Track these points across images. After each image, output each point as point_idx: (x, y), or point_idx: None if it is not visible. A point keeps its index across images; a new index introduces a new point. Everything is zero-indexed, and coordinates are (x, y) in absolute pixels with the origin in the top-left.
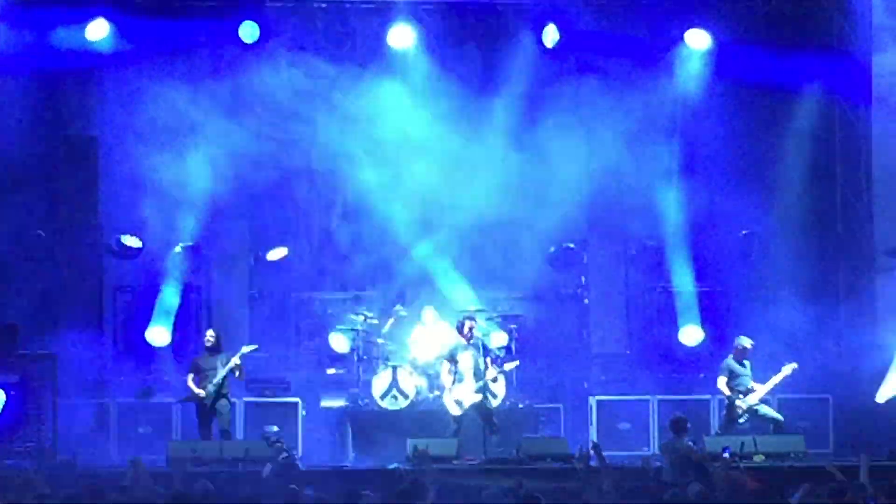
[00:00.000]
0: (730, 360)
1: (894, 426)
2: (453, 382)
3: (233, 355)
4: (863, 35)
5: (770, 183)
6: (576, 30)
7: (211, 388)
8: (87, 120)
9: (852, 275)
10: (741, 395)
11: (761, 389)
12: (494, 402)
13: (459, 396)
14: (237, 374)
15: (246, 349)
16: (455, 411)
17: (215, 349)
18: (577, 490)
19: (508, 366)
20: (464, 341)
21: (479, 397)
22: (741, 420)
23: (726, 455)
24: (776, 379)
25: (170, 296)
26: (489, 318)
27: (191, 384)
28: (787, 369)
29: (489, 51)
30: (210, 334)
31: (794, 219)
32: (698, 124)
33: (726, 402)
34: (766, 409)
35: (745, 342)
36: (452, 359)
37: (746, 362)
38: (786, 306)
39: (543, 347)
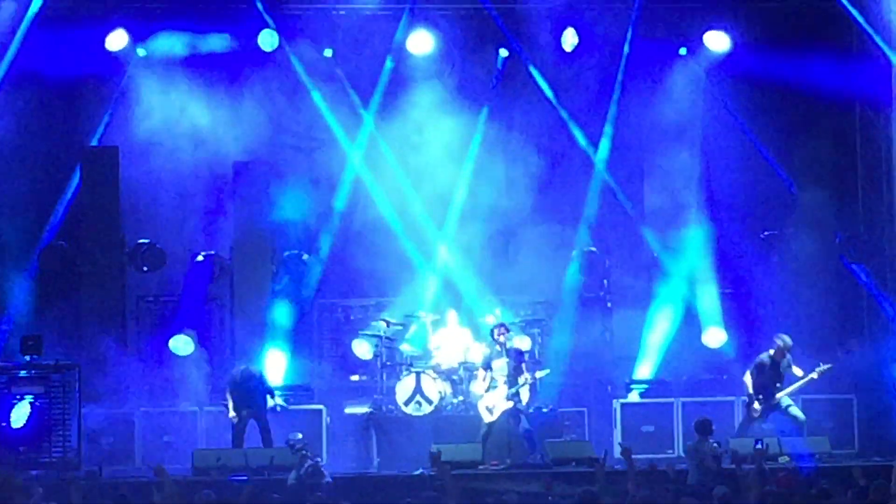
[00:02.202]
0: (763, 357)
1: None
2: (486, 389)
3: (268, 381)
4: (883, 36)
5: (791, 185)
6: (595, 33)
7: (245, 413)
8: (107, 130)
9: (875, 276)
10: (760, 397)
11: (790, 388)
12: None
13: (491, 403)
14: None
15: (277, 401)
16: (487, 418)
17: (255, 370)
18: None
19: (539, 374)
20: (497, 348)
21: (510, 404)
22: (758, 419)
23: (759, 447)
24: (805, 379)
25: (193, 305)
26: (512, 323)
27: (229, 399)
28: (819, 371)
29: (508, 55)
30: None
31: (815, 220)
32: (718, 126)
33: (747, 400)
34: (793, 408)
35: (785, 340)
36: (488, 366)
37: (785, 361)
38: (809, 308)
39: (567, 351)
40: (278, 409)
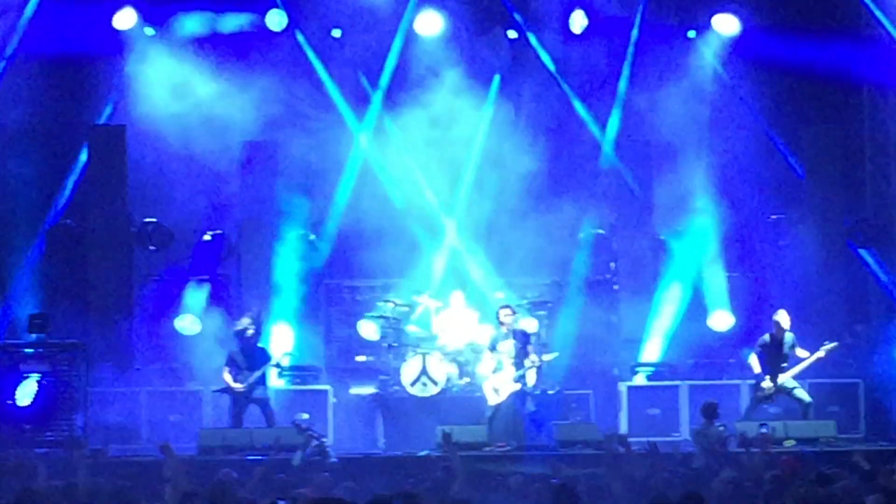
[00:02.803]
0: (765, 336)
1: None
2: (493, 371)
3: (266, 349)
4: (891, 19)
5: (799, 168)
6: (603, 15)
7: (249, 383)
8: (115, 109)
9: (883, 260)
10: (768, 377)
11: (797, 367)
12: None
13: (497, 385)
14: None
15: (283, 357)
16: (493, 399)
17: (253, 339)
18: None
19: (547, 357)
20: (504, 330)
21: (517, 386)
22: (765, 401)
23: (763, 430)
24: (813, 358)
25: (199, 284)
26: (519, 305)
27: (226, 377)
28: (826, 349)
29: (517, 37)
30: (247, 323)
31: (823, 203)
32: (726, 109)
33: (755, 379)
34: (798, 391)
35: (779, 317)
36: (494, 348)
37: (787, 337)
38: (816, 292)
39: (573, 334)
40: (284, 361)
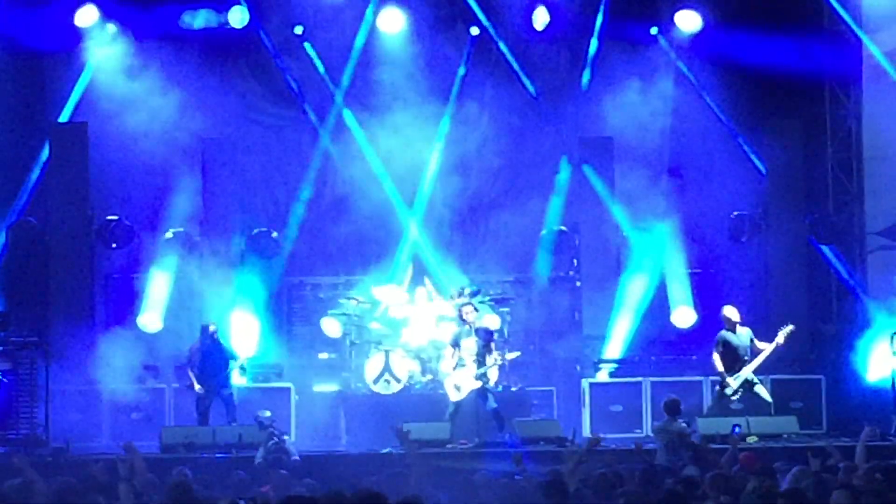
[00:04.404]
0: (723, 333)
1: (886, 406)
2: (454, 367)
3: (230, 348)
4: (853, 15)
5: (761, 164)
6: (566, 11)
7: (211, 385)
8: (76, 106)
9: (844, 256)
10: (729, 374)
11: (758, 358)
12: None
13: (459, 382)
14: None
15: (243, 360)
16: (454, 396)
17: (216, 339)
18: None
19: (510, 356)
20: (467, 327)
21: (479, 383)
22: (733, 398)
23: (735, 433)
24: (772, 346)
25: (161, 282)
26: (481, 302)
27: (190, 372)
28: (783, 334)
29: (479, 33)
30: (212, 327)
31: (785, 199)
32: (688, 105)
33: (719, 378)
34: (759, 388)
35: (727, 312)
36: (456, 345)
37: (742, 331)
38: (778, 288)
39: (536, 330)
40: (244, 366)
